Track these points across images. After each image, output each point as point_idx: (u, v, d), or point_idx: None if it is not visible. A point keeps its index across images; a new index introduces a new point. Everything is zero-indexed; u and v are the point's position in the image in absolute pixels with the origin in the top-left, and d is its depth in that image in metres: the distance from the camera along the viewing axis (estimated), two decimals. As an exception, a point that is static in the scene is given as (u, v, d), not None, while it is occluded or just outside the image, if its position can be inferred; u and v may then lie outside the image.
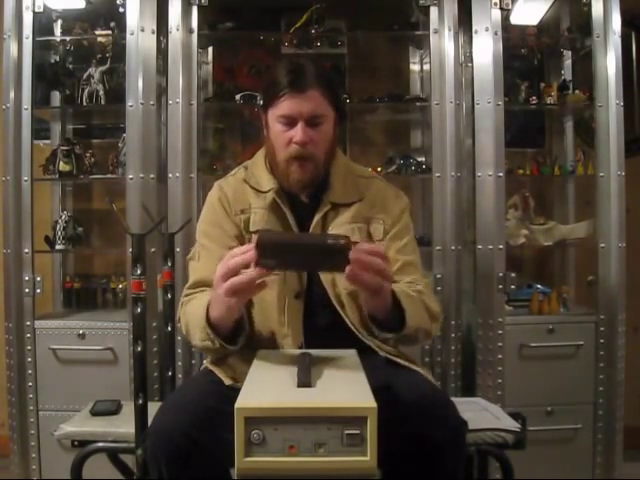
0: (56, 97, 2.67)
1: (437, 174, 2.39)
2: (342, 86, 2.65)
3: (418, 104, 2.64)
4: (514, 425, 1.65)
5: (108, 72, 2.54)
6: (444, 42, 2.39)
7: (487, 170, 2.34)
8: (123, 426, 1.70)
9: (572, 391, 2.37)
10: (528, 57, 2.73)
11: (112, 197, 2.57)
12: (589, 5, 2.40)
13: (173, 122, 2.38)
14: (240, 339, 1.33)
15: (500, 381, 2.32)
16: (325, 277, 1.47)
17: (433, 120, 2.40)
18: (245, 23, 2.57)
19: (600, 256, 2.40)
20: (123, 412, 1.85)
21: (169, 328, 2.06)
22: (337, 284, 1.47)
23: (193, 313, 1.38)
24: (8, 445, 2.38)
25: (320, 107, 1.45)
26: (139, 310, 1.52)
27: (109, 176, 2.56)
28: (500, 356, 2.32)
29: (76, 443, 1.72)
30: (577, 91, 2.56)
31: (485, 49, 2.35)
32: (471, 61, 2.41)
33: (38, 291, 2.36)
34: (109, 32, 2.51)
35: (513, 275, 2.34)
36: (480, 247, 2.36)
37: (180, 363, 2.31)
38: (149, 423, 1.32)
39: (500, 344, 2.32)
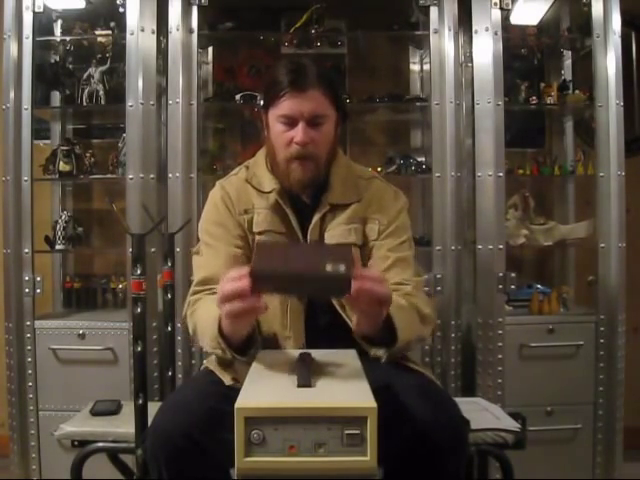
0: (56, 97, 2.68)
1: (437, 174, 2.39)
2: (342, 86, 2.65)
3: (418, 104, 2.64)
4: (514, 425, 1.65)
5: (108, 72, 2.54)
6: (444, 42, 2.39)
7: (487, 170, 2.34)
8: (123, 426, 1.70)
9: (572, 391, 2.37)
10: (528, 57, 2.73)
11: (112, 197, 2.57)
12: (589, 5, 2.40)
13: (173, 122, 2.38)
14: (252, 351, 1.29)
15: (500, 381, 2.32)
16: None
17: (433, 120, 2.40)
18: (245, 23, 2.57)
19: (600, 256, 2.40)
20: (123, 412, 1.85)
21: (169, 328, 2.06)
22: None
23: (204, 320, 1.35)
24: (8, 445, 2.38)
25: (321, 107, 1.44)
26: (139, 310, 1.53)
27: (109, 176, 2.56)
28: (500, 356, 2.32)
29: (76, 443, 1.72)
30: (577, 91, 2.56)
31: (485, 49, 2.35)
32: (471, 61, 2.41)
33: (38, 291, 2.36)
34: (109, 32, 2.51)
35: (513, 275, 2.33)
36: (480, 247, 2.36)
37: (180, 363, 2.31)
38: (149, 423, 1.32)
39: (500, 344, 2.33)
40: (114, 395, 1.97)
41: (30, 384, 2.34)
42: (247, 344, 1.28)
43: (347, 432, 0.98)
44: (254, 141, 2.64)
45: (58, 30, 2.60)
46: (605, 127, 2.38)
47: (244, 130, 2.83)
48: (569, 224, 2.63)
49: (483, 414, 1.76)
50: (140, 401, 1.54)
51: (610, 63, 2.36)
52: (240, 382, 1.20)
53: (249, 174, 1.57)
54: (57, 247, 2.54)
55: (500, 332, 2.33)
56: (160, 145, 2.45)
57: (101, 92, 2.50)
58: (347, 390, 1.08)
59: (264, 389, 1.09)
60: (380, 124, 2.85)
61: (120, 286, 2.66)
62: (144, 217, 2.10)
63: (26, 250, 2.34)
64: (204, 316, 1.36)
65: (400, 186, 1.66)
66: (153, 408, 1.39)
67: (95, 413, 1.83)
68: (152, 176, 2.33)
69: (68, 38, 2.59)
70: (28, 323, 2.34)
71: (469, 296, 2.49)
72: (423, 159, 2.64)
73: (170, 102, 2.38)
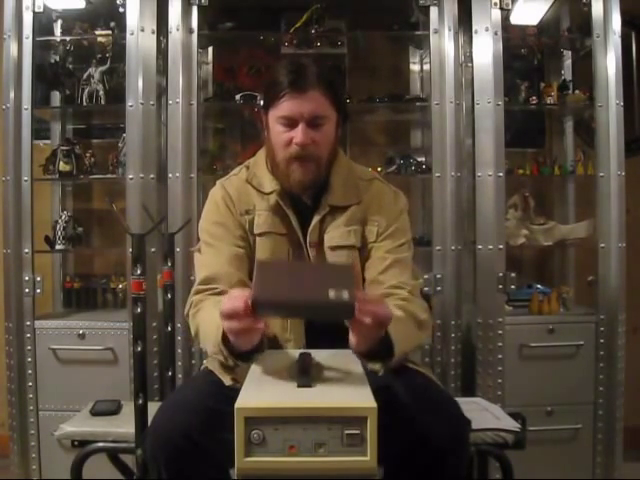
0: (56, 97, 2.68)
1: (437, 174, 2.39)
2: (343, 86, 2.64)
3: (418, 104, 2.63)
4: (514, 425, 1.65)
5: (108, 72, 2.54)
6: (444, 42, 2.39)
7: (487, 170, 2.34)
8: (123, 426, 1.70)
9: (572, 391, 2.37)
10: (528, 57, 2.73)
11: (112, 197, 2.57)
12: (589, 5, 2.40)
13: (173, 122, 2.38)
14: (255, 356, 1.27)
15: (500, 381, 2.32)
16: None
17: (433, 120, 2.40)
18: (245, 23, 2.57)
19: (600, 256, 2.40)
20: (123, 412, 1.85)
21: (169, 328, 2.06)
22: None
23: (207, 324, 1.33)
24: (8, 445, 2.38)
25: (321, 108, 1.43)
26: (139, 310, 1.53)
27: (109, 176, 2.56)
28: (500, 356, 2.33)
29: (76, 443, 1.72)
30: (577, 91, 2.56)
31: (485, 49, 2.35)
32: (471, 61, 2.41)
33: (38, 291, 2.36)
34: (109, 32, 2.51)
35: (513, 275, 2.33)
36: (480, 247, 2.36)
37: (180, 363, 2.31)
38: (149, 423, 1.32)
39: (500, 344, 2.33)
40: (114, 395, 1.97)
41: (30, 384, 2.34)
42: (252, 350, 1.25)
43: (347, 432, 0.98)
44: (254, 141, 2.64)
45: (58, 30, 2.60)
46: (605, 127, 2.38)
47: (244, 130, 2.83)
48: (569, 224, 2.63)
49: (483, 414, 1.76)
50: (140, 401, 1.54)
51: (610, 63, 2.36)
52: (240, 382, 1.20)
53: (249, 174, 1.56)
54: (57, 247, 2.54)
55: (500, 332, 2.33)
56: (160, 145, 2.45)
57: (101, 92, 2.50)
58: (347, 390, 1.08)
59: (264, 389, 1.09)
60: (380, 124, 2.85)
61: (120, 286, 2.66)
62: (144, 217, 2.10)
63: (26, 250, 2.34)
64: (207, 320, 1.35)
65: (400, 186, 1.66)
66: (153, 408, 1.39)
67: (95, 413, 1.83)
68: (152, 176, 2.33)
69: (68, 38, 2.59)
70: (28, 323, 2.34)
71: (469, 296, 2.48)
72: (423, 159, 2.64)
73: (170, 102, 2.38)
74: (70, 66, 2.65)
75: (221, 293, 1.39)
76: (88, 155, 2.58)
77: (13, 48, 2.34)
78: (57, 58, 2.66)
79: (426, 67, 2.65)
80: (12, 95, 2.33)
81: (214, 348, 1.28)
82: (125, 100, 2.33)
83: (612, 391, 2.37)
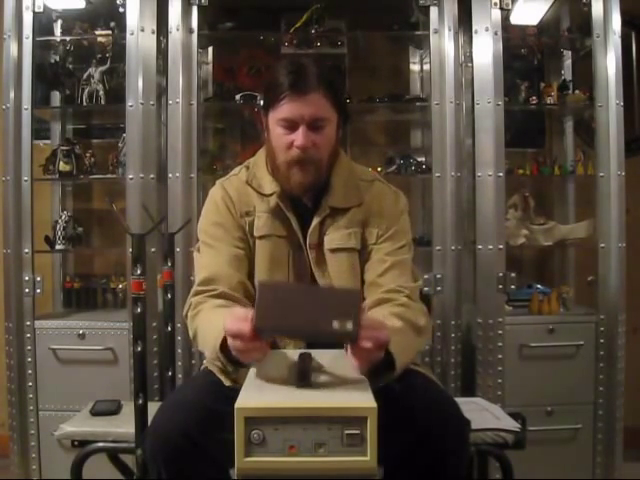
0: (56, 97, 2.68)
1: (437, 174, 2.39)
2: (343, 87, 2.64)
3: (418, 104, 2.63)
4: (514, 425, 1.65)
5: (108, 72, 2.54)
6: (444, 42, 2.39)
7: (487, 170, 2.34)
8: (123, 426, 1.70)
9: (572, 391, 2.37)
10: (528, 57, 2.73)
11: (112, 197, 2.57)
12: (589, 5, 2.40)
13: (173, 122, 2.38)
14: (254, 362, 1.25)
15: (500, 381, 2.32)
16: (327, 283, 1.46)
17: (433, 120, 2.40)
18: (245, 23, 2.57)
19: (600, 256, 2.40)
20: (123, 412, 1.85)
21: (169, 328, 2.06)
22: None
23: (206, 328, 1.32)
24: (8, 445, 2.38)
25: (322, 110, 1.41)
26: (139, 310, 1.53)
27: (109, 176, 2.56)
28: (500, 356, 2.33)
29: (76, 443, 1.72)
30: (577, 91, 2.56)
31: (485, 49, 2.35)
32: (471, 61, 2.41)
33: (38, 291, 2.36)
34: (109, 32, 2.51)
35: (513, 275, 2.33)
36: (480, 247, 2.36)
37: (180, 363, 2.31)
38: (149, 423, 1.32)
39: (500, 344, 2.33)
40: (114, 395, 1.97)
41: (30, 384, 2.34)
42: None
43: (347, 432, 0.98)
44: (254, 141, 2.63)
45: (58, 30, 2.60)
46: (605, 127, 2.38)
47: (244, 130, 2.83)
48: (569, 224, 2.63)
49: (483, 414, 1.76)
50: (140, 401, 1.54)
51: (610, 63, 2.36)
52: (240, 382, 1.20)
53: (249, 175, 1.54)
54: (57, 247, 2.55)
55: (500, 332, 2.33)
56: (160, 145, 2.45)
57: (101, 92, 2.50)
58: (347, 390, 1.08)
59: (264, 389, 1.09)
60: (380, 124, 2.85)
61: (120, 286, 2.66)
62: (144, 217, 2.10)
63: (26, 250, 2.34)
64: (205, 325, 1.34)
65: (400, 186, 1.65)
66: (153, 408, 1.39)
67: (95, 413, 1.83)
68: (152, 176, 2.33)
69: (68, 38, 2.59)
70: (28, 323, 2.34)
71: (469, 296, 2.48)
72: (423, 159, 2.64)
73: (170, 102, 2.38)
74: (70, 66, 2.65)
75: (221, 294, 1.39)
76: (88, 155, 2.58)
77: (13, 48, 2.34)
78: (57, 58, 2.66)
79: (426, 67, 2.65)
80: (12, 95, 2.33)
81: (212, 354, 1.27)
82: (125, 100, 2.33)
83: (612, 391, 2.37)
